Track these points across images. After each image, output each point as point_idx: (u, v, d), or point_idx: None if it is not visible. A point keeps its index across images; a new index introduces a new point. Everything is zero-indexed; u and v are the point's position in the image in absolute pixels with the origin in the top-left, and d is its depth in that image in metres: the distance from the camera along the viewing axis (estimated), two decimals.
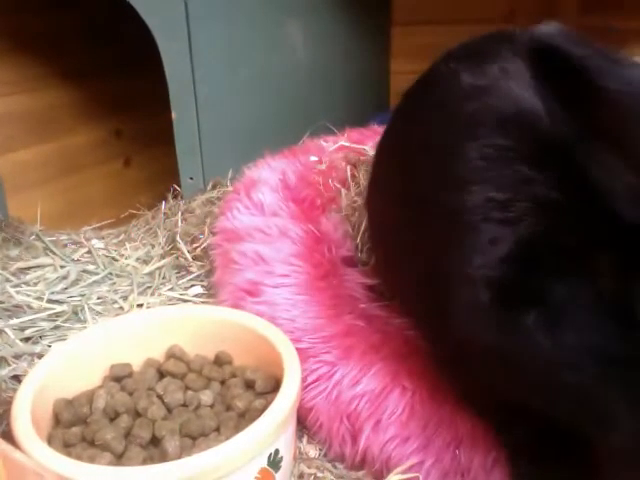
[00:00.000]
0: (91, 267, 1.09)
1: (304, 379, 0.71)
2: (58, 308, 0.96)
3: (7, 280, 1.02)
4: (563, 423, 0.54)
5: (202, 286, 1.03)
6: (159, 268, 1.08)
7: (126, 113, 1.62)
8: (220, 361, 0.77)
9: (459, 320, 0.56)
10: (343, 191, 1.07)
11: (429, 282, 0.62)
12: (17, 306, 0.96)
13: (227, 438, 0.59)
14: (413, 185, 0.68)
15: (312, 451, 0.73)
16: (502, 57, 0.63)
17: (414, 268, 0.67)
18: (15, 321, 0.92)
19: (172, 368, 0.74)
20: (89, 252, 1.14)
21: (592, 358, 0.48)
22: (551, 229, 0.49)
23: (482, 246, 0.52)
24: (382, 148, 0.82)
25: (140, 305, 0.99)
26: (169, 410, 0.68)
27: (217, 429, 0.66)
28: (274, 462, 0.62)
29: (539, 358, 0.51)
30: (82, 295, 1.01)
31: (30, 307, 0.96)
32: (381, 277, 0.90)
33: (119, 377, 0.74)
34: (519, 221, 0.51)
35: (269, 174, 1.04)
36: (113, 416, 0.68)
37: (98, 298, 1.01)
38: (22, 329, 0.92)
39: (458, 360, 0.62)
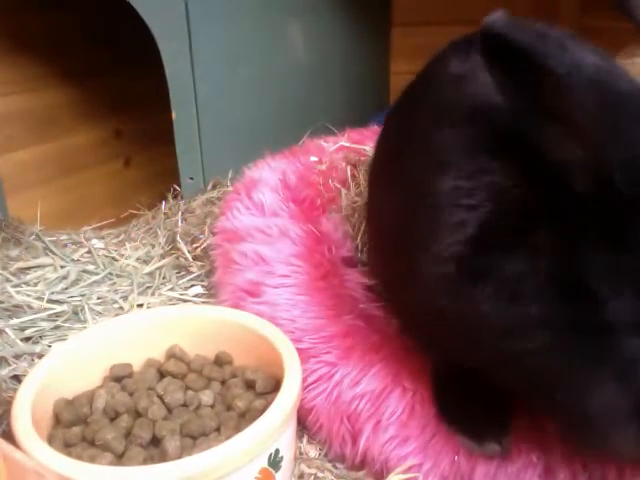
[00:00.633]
0: (91, 267, 1.09)
1: (304, 379, 0.71)
2: (58, 308, 0.96)
3: (7, 280, 1.02)
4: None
5: (202, 286, 1.03)
6: (159, 268, 1.08)
7: (126, 113, 1.62)
8: (220, 361, 0.77)
9: (428, 287, 0.61)
10: (343, 191, 1.07)
11: (403, 253, 0.67)
12: (17, 306, 0.96)
13: (227, 438, 0.59)
14: (398, 166, 0.71)
15: (312, 451, 0.73)
16: None
17: (395, 247, 0.71)
18: (15, 321, 0.92)
19: (172, 368, 0.74)
20: (89, 252, 1.14)
21: (534, 327, 0.53)
22: (503, 213, 0.55)
23: (451, 228, 0.58)
24: (380, 134, 0.84)
25: (140, 305, 0.99)
26: (169, 410, 0.68)
27: (217, 429, 0.67)
28: (274, 462, 0.62)
29: (487, 324, 0.56)
30: (82, 295, 1.01)
31: (30, 307, 0.96)
32: (373, 272, 0.90)
33: (119, 377, 0.74)
34: (479, 207, 0.56)
35: (269, 174, 1.04)
36: (113, 416, 0.68)
37: (98, 298, 1.01)
38: (22, 329, 0.92)
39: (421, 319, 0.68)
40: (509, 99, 0.51)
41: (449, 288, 0.59)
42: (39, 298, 0.98)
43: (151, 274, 1.07)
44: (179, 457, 0.61)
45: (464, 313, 0.58)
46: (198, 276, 1.06)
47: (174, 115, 1.19)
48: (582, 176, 0.49)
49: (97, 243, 1.19)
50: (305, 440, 0.75)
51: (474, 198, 0.57)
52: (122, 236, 1.23)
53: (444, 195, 0.59)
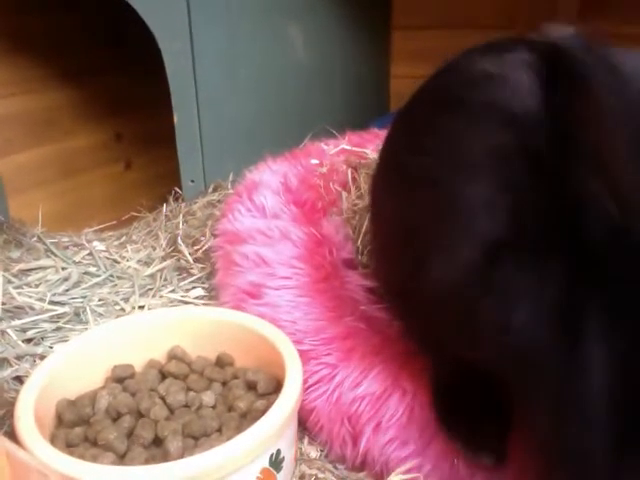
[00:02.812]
0: (92, 269, 1.10)
1: (305, 381, 0.72)
2: (60, 309, 0.96)
3: (9, 282, 1.02)
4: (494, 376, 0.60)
5: (203, 288, 1.03)
6: (160, 270, 1.08)
7: (127, 115, 1.62)
8: (222, 362, 0.77)
9: (435, 290, 0.60)
10: (344, 194, 1.07)
11: (413, 254, 0.65)
12: (19, 307, 0.96)
13: (229, 438, 0.60)
14: (416, 163, 0.69)
15: (313, 452, 0.73)
16: (519, 51, 0.65)
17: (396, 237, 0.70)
18: (17, 322, 0.92)
19: (174, 369, 0.75)
20: (90, 254, 1.15)
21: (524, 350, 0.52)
22: (520, 230, 0.53)
23: (469, 236, 0.56)
24: (390, 132, 0.83)
25: (141, 307, 0.99)
26: (171, 411, 0.69)
27: (219, 430, 0.67)
28: (276, 462, 0.62)
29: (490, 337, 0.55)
30: (84, 297, 1.01)
31: (32, 308, 0.96)
32: (376, 273, 0.90)
33: (121, 378, 0.74)
34: (500, 220, 0.54)
35: (270, 177, 1.04)
36: (115, 416, 0.68)
37: (99, 300, 1.01)
38: (24, 330, 0.92)
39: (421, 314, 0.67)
40: (550, 119, 0.49)
41: (456, 294, 0.58)
42: (41, 299, 0.98)
43: (152, 276, 1.08)
44: (181, 457, 0.61)
45: (464, 316, 0.58)
46: (199, 278, 1.06)
47: (175, 118, 1.20)
48: (599, 218, 0.46)
49: (98, 245, 1.19)
50: (306, 441, 0.75)
51: (497, 210, 0.55)
52: (123, 238, 1.24)
53: (468, 202, 0.57)
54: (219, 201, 1.20)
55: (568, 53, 0.41)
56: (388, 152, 0.80)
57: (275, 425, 0.61)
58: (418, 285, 0.64)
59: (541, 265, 0.52)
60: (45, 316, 0.95)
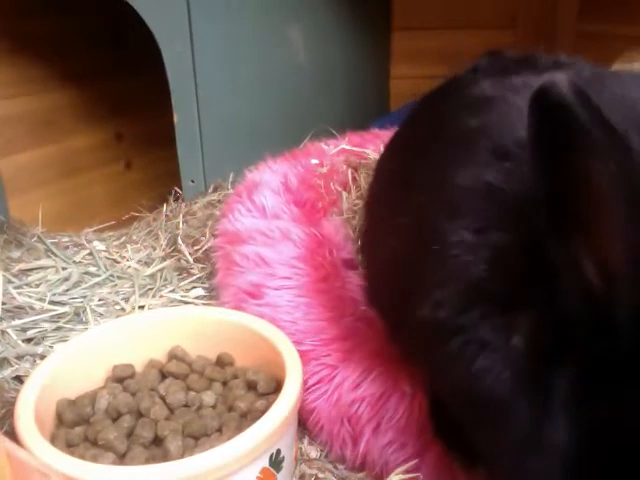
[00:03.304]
0: (92, 269, 1.10)
1: (305, 381, 0.72)
2: (60, 309, 0.96)
3: (9, 281, 1.02)
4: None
5: (203, 288, 1.04)
6: (160, 270, 1.09)
7: (127, 115, 1.62)
8: (222, 362, 0.77)
9: (415, 328, 0.61)
10: (344, 194, 1.07)
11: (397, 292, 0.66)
12: (19, 307, 0.96)
13: (229, 438, 0.60)
14: (410, 186, 0.69)
15: (313, 452, 0.73)
16: (523, 74, 0.64)
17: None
18: (17, 322, 0.92)
19: (174, 369, 0.75)
20: (90, 254, 1.15)
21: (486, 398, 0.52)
22: (495, 279, 0.52)
23: (444, 278, 0.56)
24: (388, 145, 0.82)
25: (141, 307, 0.99)
26: (171, 410, 0.69)
27: (219, 429, 0.67)
28: (276, 462, 0.62)
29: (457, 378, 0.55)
30: (84, 297, 1.01)
31: (32, 308, 0.96)
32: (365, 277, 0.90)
33: (121, 378, 0.74)
34: (477, 266, 0.53)
35: (271, 177, 1.04)
36: (115, 416, 0.68)
37: (100, 300, 1.01)
38: (24, 330, 0.92)
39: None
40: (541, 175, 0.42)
41: (430, 329, 0.58)
42: (41, 299, 0.98)
43: (152, 276, 1.08)
44: (181, 457, 0.61)
45: (435, 358, 0.58)
46: (199, 278, 1.06)
47: (176, 118, 1.20)
48: (578, 287, 0.43)
49: (98, 245, 1.19)
50: (306, 441, 0.75)
51: (474, 253, 0.54)
52: (123, 238, 1.24)
53: (449, 243, 0.56)
54: (219, 201, 1.20)
55: (567, 109, 0.38)
56: (385, 161, 0.80)
57: (275, 425, 0.61)
58: (401, 310, 0.64)
59: (510, 314, 0.51)
60: (45, 316, 0.95)
